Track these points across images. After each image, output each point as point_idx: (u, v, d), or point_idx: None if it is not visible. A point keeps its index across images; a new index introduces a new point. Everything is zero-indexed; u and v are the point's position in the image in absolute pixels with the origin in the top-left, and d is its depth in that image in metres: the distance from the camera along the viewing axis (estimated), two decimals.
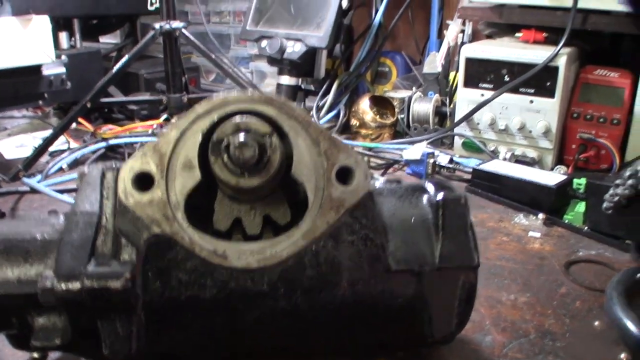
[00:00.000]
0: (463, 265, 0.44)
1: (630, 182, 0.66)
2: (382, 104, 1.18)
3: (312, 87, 1.26)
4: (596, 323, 0.55)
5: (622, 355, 0.51)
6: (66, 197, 0.83)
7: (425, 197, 0.45)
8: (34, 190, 0.90)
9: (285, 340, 0.44)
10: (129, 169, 0.39)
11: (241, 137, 0.36)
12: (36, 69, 0.98)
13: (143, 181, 0.39)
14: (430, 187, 0.46)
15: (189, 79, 1.30)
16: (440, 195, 0.44)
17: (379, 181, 0.48)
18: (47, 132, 1.24)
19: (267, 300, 0.40)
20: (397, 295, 0.43)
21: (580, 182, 0.81)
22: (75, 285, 0.37)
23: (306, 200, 0.41)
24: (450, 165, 0.95)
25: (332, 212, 0.40)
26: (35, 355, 0.49)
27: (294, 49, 1.14)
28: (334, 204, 0.40)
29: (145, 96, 1.28)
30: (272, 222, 0.42)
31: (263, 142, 0.37)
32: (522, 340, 0.54)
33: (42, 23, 0.96)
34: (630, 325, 0.51)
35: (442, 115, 1.13)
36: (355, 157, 0.41)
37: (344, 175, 0.41)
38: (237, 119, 0.38)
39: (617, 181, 0.68)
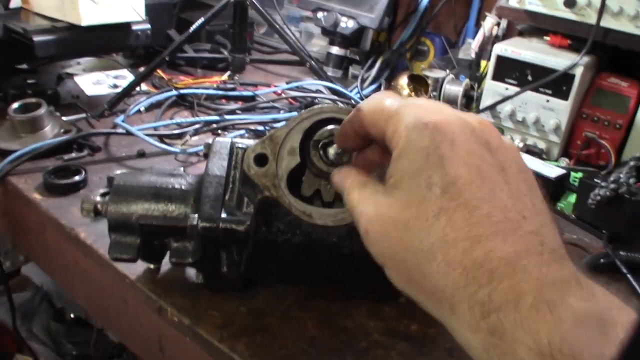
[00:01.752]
0: None
1: (612, 186, 0.83)
2: (418, 82, 1.33)
3: (356, 57, 1.40)
4: None
5: None
6: (153, 141, 1.00)
7: None
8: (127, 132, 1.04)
9: (342, 275, 0.63)
10: (252, 150, 0.57)
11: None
12: (127, 25, 1.14)
13: (261, 160, 0.57)
14: None
15: None
16: None
17: None
18: (119, 72, 1.42)
19: (335, 248, 0.59)
20: None
21: (576, 177, 0.98)
22: (213, 226, 0.56)
23: None
24: None
25: None
26: (152, 266, 0.70)
27: (347, 25, 1.30)
28: None
29: (211, 52, 1.43)
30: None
31: None
32: None
33: None
34: None
35: (469, 98, 1.28)
36: None
37: None
38: (331, 127, 0.55)
39: (603, 183, 0.86)
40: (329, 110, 0.57)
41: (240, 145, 0.59)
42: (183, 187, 0.61)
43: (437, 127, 0.35)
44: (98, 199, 0.63)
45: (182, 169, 0.68)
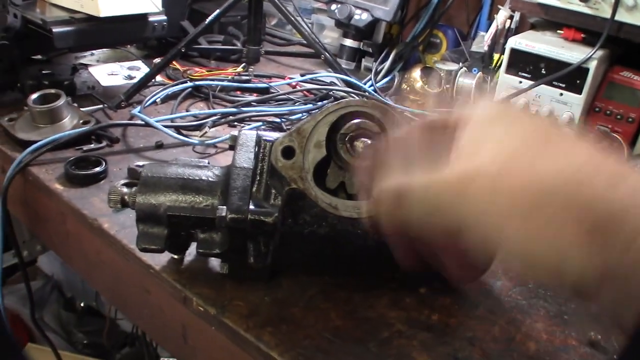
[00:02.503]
0: None
1: None
2: (430, 74, 1.34)
3: (369, 50, 1.41)
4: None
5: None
6: (171, 132, 1.01)
7: None
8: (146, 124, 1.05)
9: (366, 266, 0.64)
10: (279, 143, 0.58)
11: (368, 141, 0.55)
12: (144, 16, 1.14)
13: (288, 152, 0.58)
14: None
15: None
16: None
17: None
18: (133, 63, 1.42)
19: (359, 239, 0.60)
20: None
21: None
22: (242, 217, 0.57)
23: None
24: None
25: None
26: (176, 256, 0.71)
27: (361, 17, 1.30)
28: None
29: (224, 43, 1.44)
30: None
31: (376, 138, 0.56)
32: (523, 287, 0.74)
33: None
34: None
35: (482, 91, 1.29)
36: None
37: None
38: (358, 121, 0.56)
39: None
40: (355, 104, 0.58)
41: (267, 138, 0.60)
42: (210, 179, 0.62)
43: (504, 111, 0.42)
44: (125, 190, 0.64)
45: (206, 160, 0.69)
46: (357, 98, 1.10)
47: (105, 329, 1.70)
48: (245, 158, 0.61)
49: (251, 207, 0.58)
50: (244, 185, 0.59)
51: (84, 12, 1.07)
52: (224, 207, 0.58)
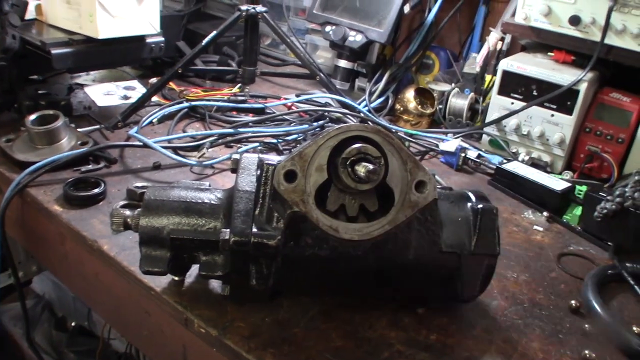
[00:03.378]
0: (488, 253, 0.65)
1: (617, 199, 0.86)
2: (424, 95, 1.36)
3: (363, 70, 1.43)
4: (572, 302, 0.76)
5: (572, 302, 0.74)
6: (169, 153, 1.01)
7: (469, 204, 0.66)
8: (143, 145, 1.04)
9: (367, 289, 0.65)
10: (282, 167, 0.59)
11: (370, 166, 0.56)
12: (142, 38, 1.16)
13: (290, 176, 0.59)
14: (472, 196, 0.67)
15: None
16: (480, 205, 0.65)
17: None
18: (129, 82, 1.44)
19: (360, 261, 0.61)
20: (444, 267, 0.64)
21: (581, 190, 1.01)
22: (245, 240, 0.58)
23: (389, 196, 0.61)
24: (478, 160, 1.14)
25: (409, 209, 0.61)
26: (176, 278, 0.72)
27: (355, 39, 1.32)
28: (411, 204, 0.61)
29: (219, 63, 1.45)
30: (364, 209, 0.62)
31: (376, 162, 0.57)
32: (519, 307, 0.75)
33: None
34: (596, 305, 0.73)
35: (474, 112, 1.31)
36: (429, 175, 0.61)
37: (420, 186, 0.61)
38: (359, 145, 0.58)
39: (608, 197, 0.88)
40: (356, 129, 0.60)
41: (269, 162, 0.61)
42: (212, 202, 0.63)
43: None
44: (127, 212, 0.65)
45: (207, 183, 0.70)
46: (357, 122, 1.12)
47: (99, 348, 1.69)
48: (247, 181, 0.62)
49: (254, 230, 0.58)
50: (247, 208, 0.60)
51: (83, 34, 1.08)
52: (227, 230, 0.59)
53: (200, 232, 0.62)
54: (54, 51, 1.05)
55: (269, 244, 0.58)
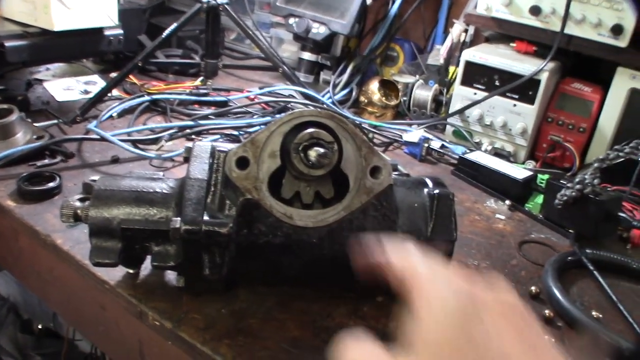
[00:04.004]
0: (445, 238, 0.64)
1: (577, 187, 0.87)
2: (388, 87, 1.36)
3: (327, 63, 1.42)
4: (532, 288, 0.76)
5: (532, 288, 0.75)
6: (127, 146, 0.99)
7: (425, 190, 0.65)
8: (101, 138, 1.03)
9: (322, 275, 0.64)
10: (233, 154, 0.58)
11: (321, 150, 0.55)
12: (99, 30, 1.13)
13: (242, 163, 0.58)
14: (429, 182, 0.66)
15: None
16: (436, 190, 0.64)
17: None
18: (89, 77, 1.41)
19: (316, 249, 0.60)
20: None
21: (543, 178, 1.01)
22: (196, 228, 0.57)
23: (345, 183, 0.60)
24: (441, 150, 1.14)
25: (364, 195, 0.60)
26: (131, 271, 0.70)
27: (318, 31, 1.31)
28: (366, 190, 0.60)
29: (182, 57, 1.43)
30: (320, 196, 0.62)
31: (329, 147, 0.57)
32: None
33: None
34: (556, 292, 0.73)
35: (438, 103, 1.31)
36: (384, 160, 0.60)
37: (375, 171, 0.60)
38: (311, 130, 0.57)
39: (568, 184, 0.89)
40: (309, 114, 0.59)
41: (221, 149, 0.60)
42: (164, 191, 0.62)
43: (473, 300, 0.35)
44: (77, 204, 0.63)
45: (161, 173, 0.68)
46: (310, 108, 1.11)
47: (64, 350, 1.65)
48: (199, 169, 0.60)
49: (205, 218, 0.57)
50: (198, 196, 0.58)
51: (38, 26, 1.06)
52: (178, 218, 0.57)
53: (152, 221, 0.60)
54: (8, 44, 1.02)
55: (221, 232, 0.57)
